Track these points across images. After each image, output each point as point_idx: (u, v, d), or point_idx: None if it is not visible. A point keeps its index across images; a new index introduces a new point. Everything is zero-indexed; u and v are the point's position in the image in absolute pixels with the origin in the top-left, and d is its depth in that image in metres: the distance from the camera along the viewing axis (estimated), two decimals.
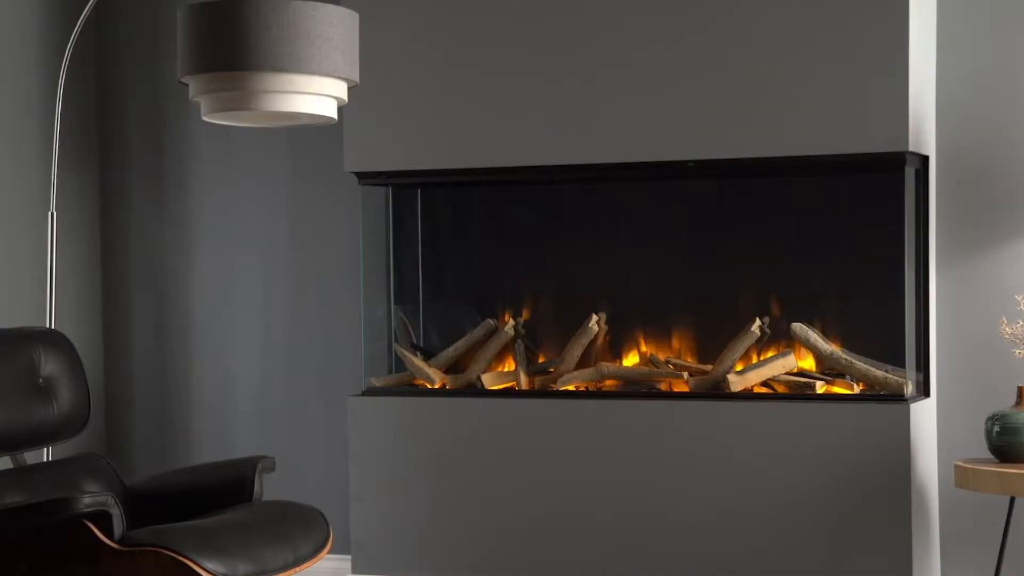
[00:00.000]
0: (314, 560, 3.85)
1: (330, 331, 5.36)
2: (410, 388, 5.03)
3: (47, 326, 4.66)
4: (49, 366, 4.07)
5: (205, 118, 3.85)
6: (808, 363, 4.72)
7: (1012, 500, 4.27)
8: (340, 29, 3.71)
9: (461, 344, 5.07)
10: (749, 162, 4.57)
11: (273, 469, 4.13)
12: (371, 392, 5.00)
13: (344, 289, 5.29)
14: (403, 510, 4.88)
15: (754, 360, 4.73)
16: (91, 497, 3.47)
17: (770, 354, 4.72)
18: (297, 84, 3.68)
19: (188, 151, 5.52)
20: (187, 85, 3.82)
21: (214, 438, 5.50)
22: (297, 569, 3.76)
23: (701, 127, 4.57)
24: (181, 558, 3.46)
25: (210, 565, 3.49)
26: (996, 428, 4.23)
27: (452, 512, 4.83)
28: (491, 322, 5.04)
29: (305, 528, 3.88)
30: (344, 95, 3.82)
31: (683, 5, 4.59)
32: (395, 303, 5.15)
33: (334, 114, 3.84)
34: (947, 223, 4.69)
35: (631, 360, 4.94)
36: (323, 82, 3.72)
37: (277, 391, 5.44)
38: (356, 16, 3.79)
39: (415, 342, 5.20)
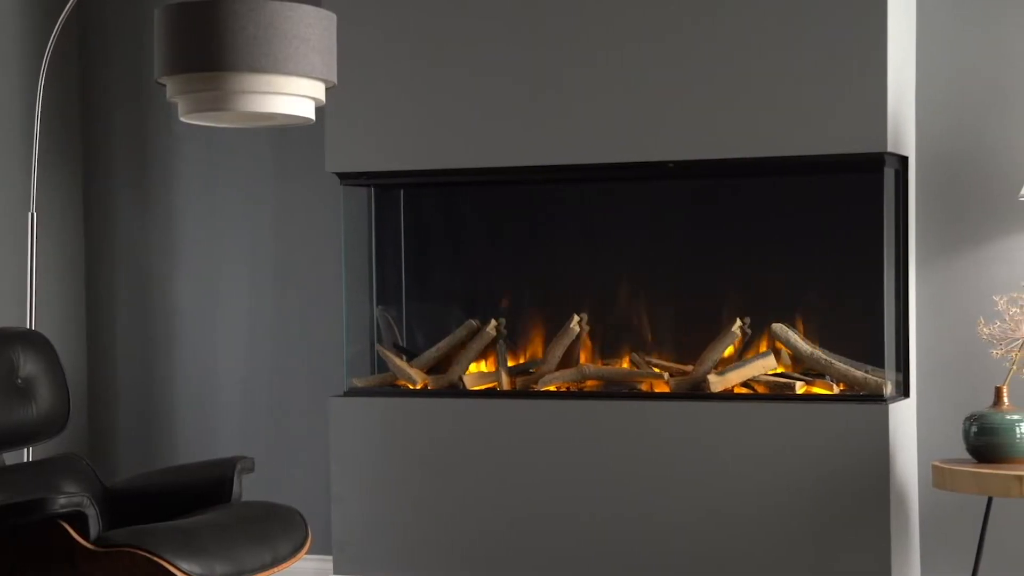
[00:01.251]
0: (292, 560, 3.85)
1: (312, 332, 5.35)
2: (392, 388, 5.03)
3: (27, 327, 4.65)
4: (28, 367, 4.06)
5: (183, 119, 3.85)
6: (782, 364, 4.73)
7: (990, 500, 4.28)
8: (317, 30, 3.71)
9: (443, 344, 5.07)
10: (729, 163, 4.57)
11: (252, 470, 4.14)
12: (353, 393, 5.00)
13: (326, 290, 5.29)
14: (384, 510, 4.88)
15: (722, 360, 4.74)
16: (66, 498, 3.47)
17: (751, 355, 4.72)
18: (274, 85, 3.69)
19: (171, 151, 5.51)
20: (165, 86, 3.82)
21: (197, 438, 5.49)
22: (275, 569, 3.76)
23: (681, 128, 4.57)
24: (157, 559, 3.46)
25: (186, 566, 3.49)
26: (974, 428, 4.23)
27: (434, 512, 4.83)
28: (473, 322, 5.05)
29: (284, 528, 3.88)
30: (322, 96, 3.83)
31: (663, 6, 4.59)
32: (377, 303, 5.15)
33: (311, 115, 3.85)
34: (926, 224, 4.69)
35: (612, 361, 4.94)
36: (300, 83, 3.73)
37: (260, 391, 5.44)
38: (334, 17, 3.80)
39: (398, 342, 5.20)
